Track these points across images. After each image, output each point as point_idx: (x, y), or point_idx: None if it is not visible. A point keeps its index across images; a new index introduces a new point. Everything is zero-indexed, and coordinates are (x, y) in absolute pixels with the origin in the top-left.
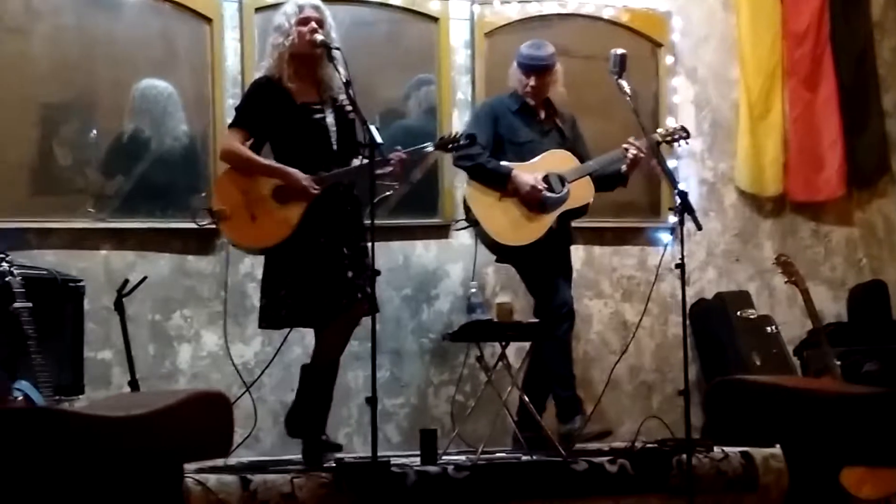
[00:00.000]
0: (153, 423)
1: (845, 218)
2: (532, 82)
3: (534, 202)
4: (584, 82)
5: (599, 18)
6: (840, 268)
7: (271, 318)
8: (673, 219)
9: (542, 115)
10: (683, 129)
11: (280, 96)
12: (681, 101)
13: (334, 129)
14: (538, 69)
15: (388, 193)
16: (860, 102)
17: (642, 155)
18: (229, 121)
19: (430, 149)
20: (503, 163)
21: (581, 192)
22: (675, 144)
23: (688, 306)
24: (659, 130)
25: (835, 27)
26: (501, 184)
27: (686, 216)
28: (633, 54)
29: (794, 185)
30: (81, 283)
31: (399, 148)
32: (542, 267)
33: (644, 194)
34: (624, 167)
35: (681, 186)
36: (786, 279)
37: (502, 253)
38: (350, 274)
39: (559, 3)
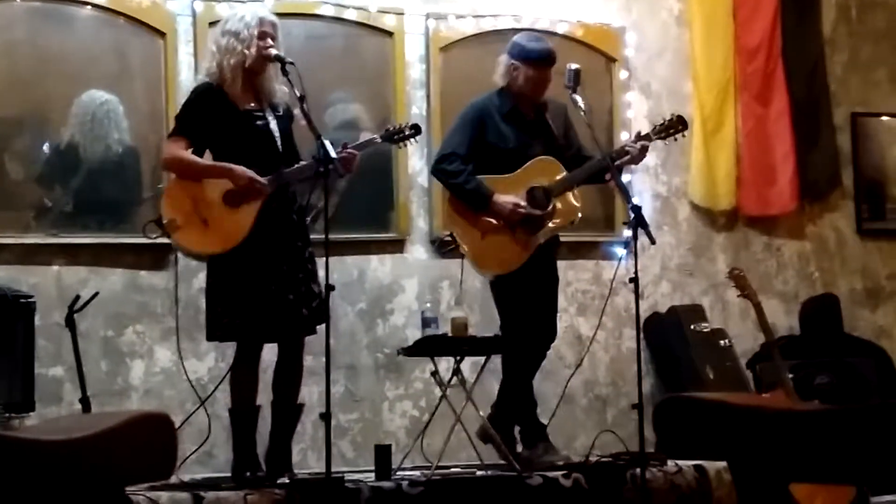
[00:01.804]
0: (94, 446)
1: (797, 232)
2: (546, 77)
3: (512, 224)
4: None
5: (554, 33)
6: (792, 281)
7: (220, 328)
8: (627, 233)
9: (533, 116)
10: (681, 119)
11: (222, 102)
12: (635, 115)
13: (277, 134)
14: (547, 62)
15: (318, 207)
16: (812, 117)
17: (642, 148)
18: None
19: (378, 141)
20: (487, 177)
21: (567, 209)
22: (673, 138)
23: (642, 320)
24: (653, 124)
25: (786, 43)
26: (483, 206)
27: (640, 230)
28: (588, 69)
29: (746, 200)
30: (32, 300)
31: (347, 143)
32: (521, 285)
33: (598, 208)
34: (620, 161)
35: (635, 201)
36: (738, 293)
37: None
38: (291, 297)
39: (514, 19)
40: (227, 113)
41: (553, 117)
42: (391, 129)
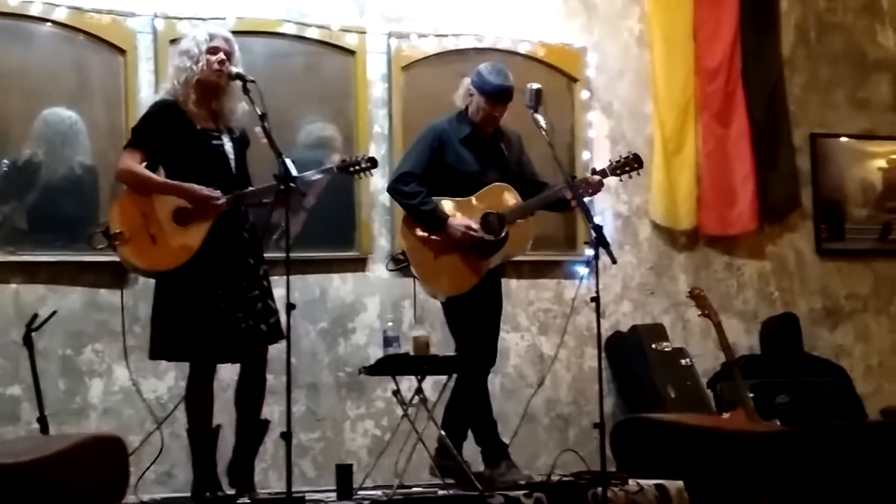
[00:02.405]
0: (44, 469)
1: (757, 251)
2: (497, 112)
3: (464, 248)
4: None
5: (516, 53)
6: (752, 301)
7: (166, 346)
8: (588, 252)
9: (489, 140)
10: (636, 158)
11: (180, 120)
12: (596, 135)
13: (232, 156)
14: (502, 98)
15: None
16: (771, 138)
17: (598, 183)
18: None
19: (334, 171)
20: (443, 199)
21: (520, 236)
22: (627, 176)
23: (603, 339)
24: (610, 160)
25: (746, 64)
26: (437, 228)
27: (601, 250)
28: (549, 89)
29: (707, 219)
30: None
31: (304, 172)
32: (468, 306)
33: (560, 228)
34: (569, 195)
35: (596, 220)
36: (699, 312)
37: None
38: (240, 315)
39: (476, 38)
40: (184, 131)
41: (508, 145)
42: (347, 160)
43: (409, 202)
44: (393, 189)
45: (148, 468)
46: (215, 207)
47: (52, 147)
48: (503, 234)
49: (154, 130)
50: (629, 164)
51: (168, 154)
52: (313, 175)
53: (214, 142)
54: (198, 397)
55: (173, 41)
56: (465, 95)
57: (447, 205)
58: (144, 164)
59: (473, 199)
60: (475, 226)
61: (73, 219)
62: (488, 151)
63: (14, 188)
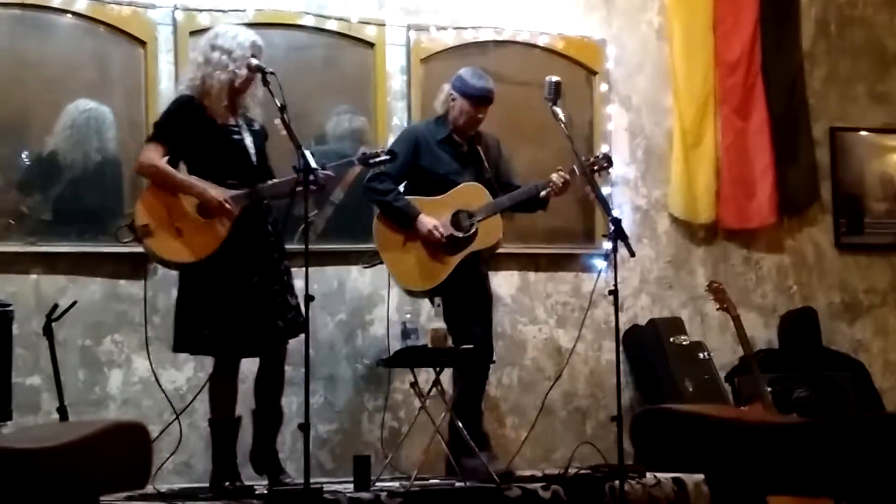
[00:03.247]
0: (67, 455)
1: (776, 245)
2: (480, 114)
3: (437, 244)
4: (520, 109)
5: (535, 46)
6: (771, 295)
7: (189, 339)
8: (607, 245)
9: (466, 146)
10: (606, 157)
11: (201, 116)
12: (615, 128)
13: (252, 150)
14: (487, 102)
15: (312, 216)
16: (791, 131)
17: (564, 182)
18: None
19: (355, 163)
20: (416, 198)
21: (488, 232)
22: (597, 175)
23: (621, 332)
24: (582, 158)
25: (766, 57)
26: (408, 224)
27: (619, 243)
28: (568, 82)
29: (726, 213)
30: (10, 308)
31: (325, 164)
32: (455, 303)
33: (578, 221)
34: (543, 193)
35: (614, 213)
36: (717, 306)
37: (411, 291)
38: (263, 309)
39: (495, 31)
40: (206, 127)
41: (486, 149)
42: (367, 152)
43: (382, 199)
44: (367, 188)
45: (169, 457)
46: (227, 214)
47: (77, 138)
48: (472, 231)
49: (176, 126)
50: (598, 164)
51: (189, 149)
52: (332, 167)
53: (235, 136)
54: (222, 390)
55: (193, 33)
56: (445, 101)
57: (420, 203)
58: (166, 158)
59: (446, 198)
60: (442, 228)
61: (95, 209)
62: (465, 154)
63: (39, 180)
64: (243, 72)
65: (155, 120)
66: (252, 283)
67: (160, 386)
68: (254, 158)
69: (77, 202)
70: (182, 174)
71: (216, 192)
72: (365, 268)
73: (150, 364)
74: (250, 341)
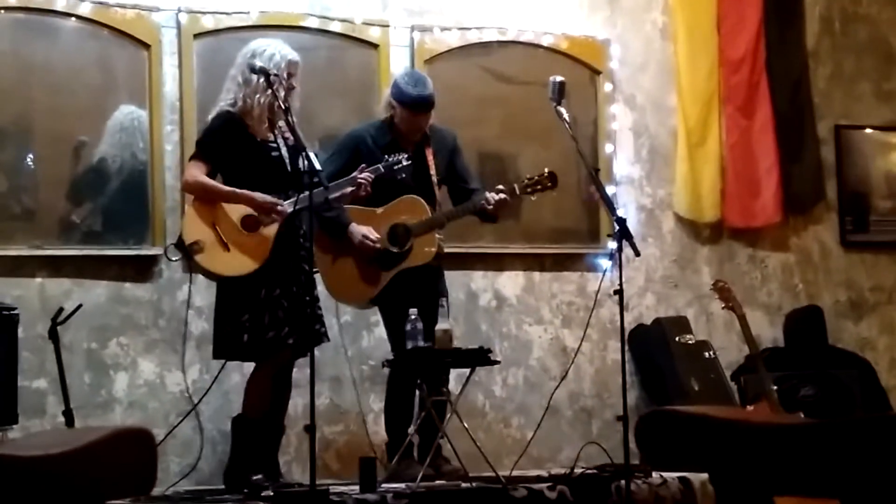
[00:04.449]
0: (73, 462)
1: (781, 244)
2: (421, 122)
3: (368, 257)
4: (524, 109)
5: (539, 46)
6: (776, 293)
7: (229, 346)
8: (612, 245)
9: (411, 149)
10: (551, 176)
11: (242, 133)
12: (619, 127)
13: (288, 161)
14: (419, 108)
15: None
16: (796, 129)
17: (498, 202)
18: (169, 147)
19: (381, 170)
20: (353, 208)
21: (424, 248)
22: (531, 196)
23: (627, 332)
24: (523, 177)
25: (770, 55)
26: (340, 234)
27: (624, 242)
28: (572, 81)
29: (731, 212)
30: (15, 312)
31: (364, 167)
32: (399, 313)
33: (583, 221)
34: (484, 207)
35: (619, 213)
36: (723, 305)
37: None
38: (301, 314)
39: (499, 31)
40: (247, 144)
41: (437, 149)
42: (389, 160)
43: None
44: None
45: (193, 467)
46: (280, 213)
47: (119, 147)
48: (408, 247)
49: (219, 144)
50: (541, 183)
51: (230, 165)
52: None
53: (273, 154)
54: (260, 391)
55: (197, 36)
56: (387, 107)
57: (357, 215)
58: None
59: (384, 211)
60: (374, 235)
61: (114, 214)
62: (411, 160)
63: (75, 188)
64: (282, 93)
65: (197, 138)
66: (290, 291)
67: (188, 391)
68: (290, 169)
69: (82, 205)
70: (226, 187)
71: (264, 196)
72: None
73: (183, 367)
74: (296, 345)
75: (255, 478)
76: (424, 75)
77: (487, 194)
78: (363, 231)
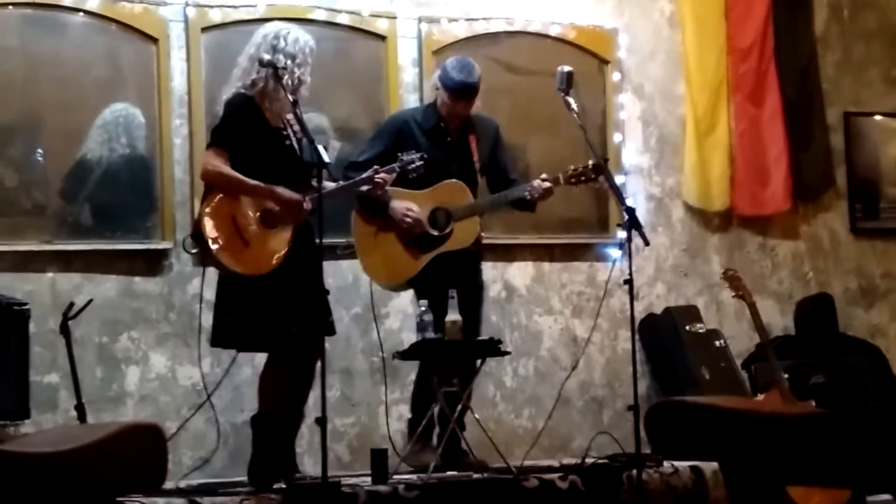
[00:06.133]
0: (83, 458)
1: (791, 232)
2: (461, 109)
3: (409, 238)
4: (532, 99)
5: (546, 36)
6: (787, 281)
7: (227, 336)
8: (621, 234)
9: (455, 135)
10: (596, 168)
11: (257, 118)
12: (628, 117)
13: (300, 151)
14: (462, 95)
15: None
16: (805, 117)
17: (545, 190)
18: (178, 141)
19: (396, 169)
20: (396, 190)
21: (464, 233)
22: (575, 188)
23: (637, 321)
24: (571, 167)
25: (779, 43)
26: (381, 211)
27: (634, 232)
28: (580, 71)
29: (740, 200)
30: (27, 307)
31: (378, 168)
32: (435, 297)
33: (592, 210)
34: (528, 196)
35: (628, 202)
36: (733, 293)
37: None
38: (310, 309)
39: (506, 21)
40: (261, 129)
41: (481, 136)
42: (403, 159)
43: None
44: (345, 177)
45: (210, 459)
46: (304, 212)
47: (113, 141)
48: (448, 230)
49: (237, 128)
50: (585, 174)
51: (242, 150)
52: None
53: (286, 141)
54: (273, 388)
55: (205, 29)
56: (432, 89)
57: (399, 195)
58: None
59: (426, 193)
60: (415, 213)
61: (123, 208)
62: (452, 146)
63: (75, 183)
64: (307, 78)
65: (213, 125)
66: (302, 285)
67: (204, 385)
68: (302, 159)
69: (97, 201)
70: (249, 179)
71: (285, 191)
72: (339, 254)
73: (199, 360)
74: (305, 339)
75: (296, 475)
76: (473, 63)
77: (534, 182)
78: (404, 207)
